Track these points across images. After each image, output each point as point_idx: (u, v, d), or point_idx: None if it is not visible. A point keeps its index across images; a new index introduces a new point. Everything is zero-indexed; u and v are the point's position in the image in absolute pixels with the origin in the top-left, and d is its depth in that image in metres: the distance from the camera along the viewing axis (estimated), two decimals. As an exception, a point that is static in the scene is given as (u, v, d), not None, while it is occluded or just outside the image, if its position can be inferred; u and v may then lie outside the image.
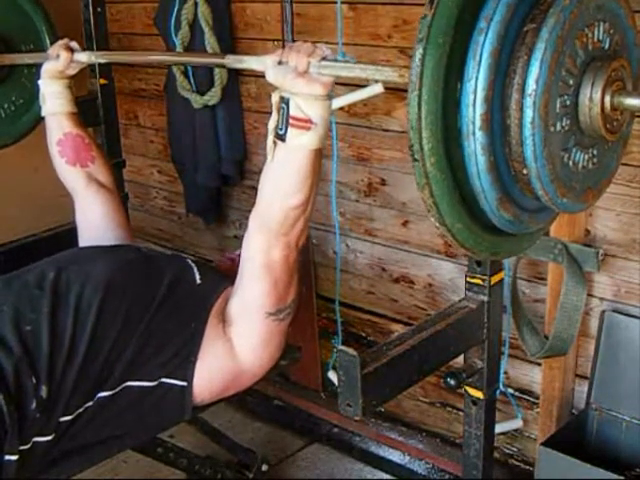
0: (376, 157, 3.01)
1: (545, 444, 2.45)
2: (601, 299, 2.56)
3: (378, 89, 2.69)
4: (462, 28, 1.33)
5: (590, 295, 2.54)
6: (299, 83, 1.69)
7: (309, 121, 1.72)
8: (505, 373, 2.81)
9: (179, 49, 3.18)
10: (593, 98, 1.40)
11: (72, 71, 2.33)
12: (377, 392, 1.71)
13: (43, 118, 2.41)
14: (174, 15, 3.17)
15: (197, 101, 3.23)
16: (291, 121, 1.73)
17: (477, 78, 1.32)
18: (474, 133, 1.34)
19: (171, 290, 2.01)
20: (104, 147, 2.93)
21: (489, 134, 1.34)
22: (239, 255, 2.07)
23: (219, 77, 3.16)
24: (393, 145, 2.94)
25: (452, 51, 1.32)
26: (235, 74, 3.30)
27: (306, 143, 1.74)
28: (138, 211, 3.98)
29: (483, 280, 1.92)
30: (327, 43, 2.94)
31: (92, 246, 2.27)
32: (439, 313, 1.92)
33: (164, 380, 1.93)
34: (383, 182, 3.01)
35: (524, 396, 2.86)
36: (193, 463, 2.86)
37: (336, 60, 1.73)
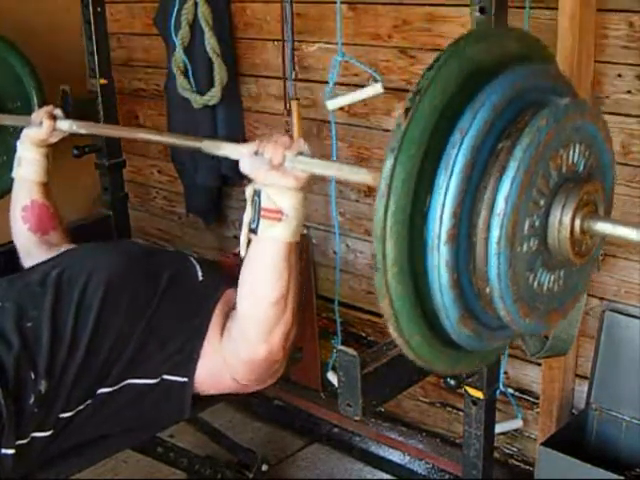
0: (376, 157, 3.01)
1: (545, 444, 2.45)
2: (601, 299, 2.56)
3: (378, 89, 2.69)
4: (436, 140, 1.30)
5: (590, 295, 2.54)
6: (273, 175, 1.69)
7: (280, 212, 1.71)
8: (505, 373, 2.80)
9: (179, 49, 3.18)
10: (563, 221, 1.37)
11: (54, 139, 2.33)
12: (377, 392, 1.71)
13: None
14: (174, 15, 3.17)
15: (197, 101, 3.23)
16: (262, 212, 1.72)
17: (447, 192, 1.29)
18: (439, 248, 1.30)
19: (172, 284, 2.01)
20: (104, 147, 2.93)
21: (454, 250, 1.31)
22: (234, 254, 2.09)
23: (219, 77, 3.15)
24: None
25: (424, 162, 1.29)
26: (235, 74, 3.30)
27: (278, 235, 1.73)
28: (138, 211, 3.98)
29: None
30: (327, 43, 2.98)
31: (94, 243, 2.27)
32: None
33: (165, 377, 1.93)
34: (383, 182, 3.00)
35: (524, 396, 2.85)
36: (193, 463, 2.86)
37: (311, 157, 1.71)
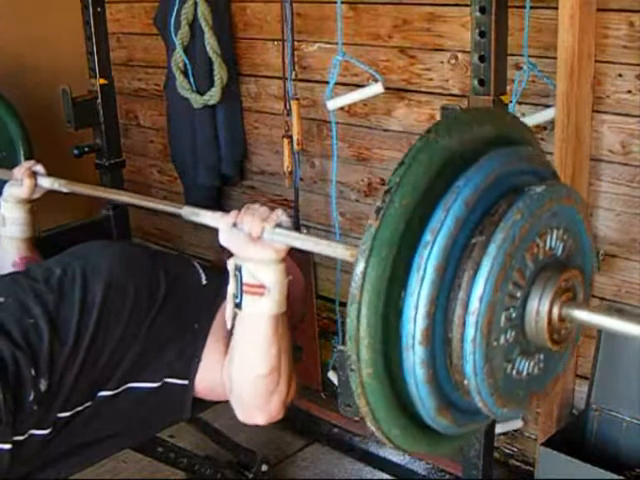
0: (376, 157, 3.01)
1: (545, 444, 2.45)
2: (601, 299, 2.56)
3: (378, 89, 2.69)
4: (408, 239, 1.29)
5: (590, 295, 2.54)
6: (251, 249, 1.68)
7: (262, 287, 1.69)
8: (505, 373, 2.80)
9: (179, 48, 3.18)
10: (540, 311, 1.36)
11: (36, 195, 2.30)
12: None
13: None
14: (174, 15, 3.17)
15: (197, 101, 3.23)
16: (245, 288, 1.69)
17: (419, 293, 1.28)
18: (413, 347, 1.29)
19: (175, 288, 2.01)
20: (104, 147, 2.93)
21: (429, 348, 1.30)
22: None
23: (219, 77, 3.16)
24: (393, 145, 2.94)
25: (396, 262, 1.28)
26: (235, 74, 3.30)
27: (261, 310, 1.71)
28: (138, 211, 3.97)
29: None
30: (327, 43, 2.98)
31: (99, 242, 2.27)
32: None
33: (167, 380, 1.93)
34: (383, 182, 3.01)
35: (524, 396, 2.85)
36: (193, 463, 2.86)
37: (290, 228, 1.69)
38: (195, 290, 2.07)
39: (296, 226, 3.16)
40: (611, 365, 2.52)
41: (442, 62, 2.74)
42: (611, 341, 2.50)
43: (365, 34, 2.90)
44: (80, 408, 1.85)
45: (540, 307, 1.35)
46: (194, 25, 3.18)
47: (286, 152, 3.02)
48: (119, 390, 1.89)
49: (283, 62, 3.07)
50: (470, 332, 1.28)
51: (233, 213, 1.74)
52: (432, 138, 1.32)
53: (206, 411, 2.43)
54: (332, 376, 3.17)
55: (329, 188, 2.99)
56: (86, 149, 2.91)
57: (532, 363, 1.43)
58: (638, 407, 2.49)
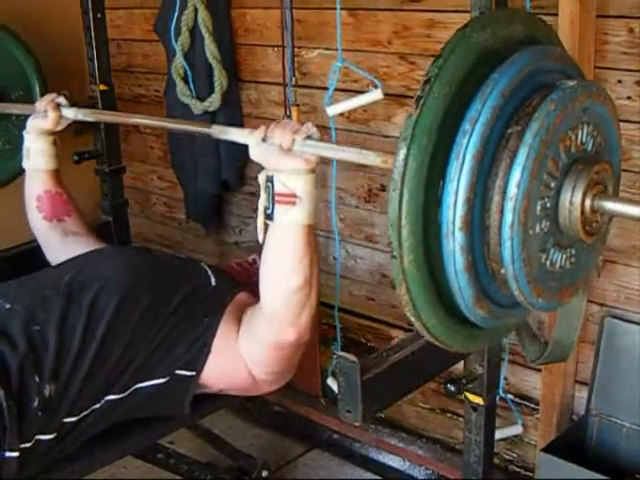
0: (376, 163, 3.01)
1: (545, 450, 2.45)
2: (601, 305, 2.56)
3: (378, 95, 2.70)
4: (446, 129, 1.33)
5: (590, 301, 2.54)
6: (282, 160, 1.70)
7: (293, 195, 1.72)
8: (505, 379, 2.80)
9: (179, 55, 3.19)
10: (573, 202, 1.40)
11: (60, 127, 2.35)
12: (377, 398, 1.71)
13: None
14: (174, 21, 3.18)
15: (197, 107, 3.23)
16: (277, 198, 1.72)
17: (459, 180, 1.33)
18: (453, 233, 1.34)
19: (186, 292, 2.02)
20: (104, 153, 2.93)
21: (468, 234, 1.35)
22: (247, 262, 2.10)
23: (219, 83, 3.16)
24: (393, 151, 2.94)
25: (435, 151, 1.33)
26: (235, 80, 3.31)
27: (294, 219, 1.74)
28: (138, 217, 3.98)
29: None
30: (327, 49, 2.98)
31: (108, 248, 2.27)
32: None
33: (177, 372, 1.94)
34: (383, 188, 3.01)
35: (524, 402, 2.85)
36: (193, 469, 2.85)
37: (321, 140, 1.73)
38: (205, 292, 2.08)
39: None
40: (611, 371, 2.52)
41: (442, 68, 2.74)
42: (611, 347, 2.51)
43: (365, 40, 2.90)
44: (86, 412, 1.85)
45: (573, 198, 1.40)
46: (194, 31, 3.19)
47: (286, 158, 3.02)
48: (127, 393, 1.89)
49: (283, 68, 3.07)
50: (508, 218, 1.33)
51: (262, 128, 1.76)
52: (468, 33, 1.37)
53: (206, 417, 2.42)
54: (332, 382, 3.17)
55: (329, 194, 2.99)
56: (86, 155, 2.91)
57: (565, 256, 1.48)
58: (638, 413, 2.49)
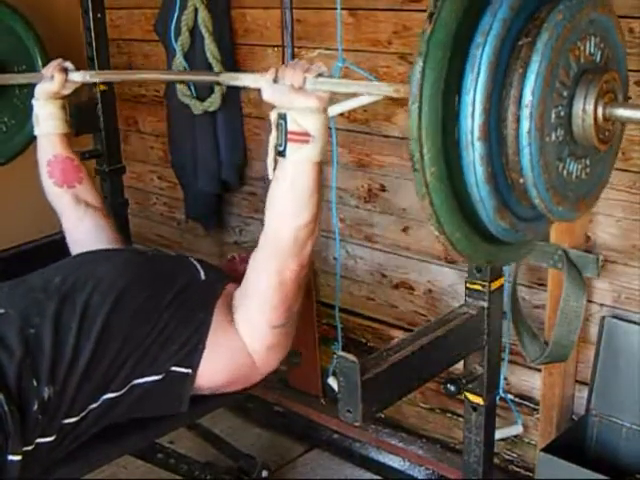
0: (376, 163, 3.01)
1: (545, 450, 2.45)
2: (601, 305, 2.56)
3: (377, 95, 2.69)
4: (460, 42, 1.37)
5: (590, 301, 2.54)
6: (295, 98, 1.72)
7: (307, 134, 1.75)
8: (505, 379, 2.80)
9: (179, 55, 3.19)
10: (586, 109, 1.44)
11: (67, 91, 2.37)
12: (377, 398, 1.71)
13: (35, 138, 2.43)
14: (174, 21, 3.18)
15: (197, 107, 3.23)
16: (289, 136, 1.76)
17: (475, 90, 1.36)
18: (473, 143, 1.37)
19: (179, 296, 2.02)
20: (104, 153, 2.94)
21: (487, 144, 1.38)
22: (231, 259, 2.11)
23: (219, 83, 3.16)
24: (393, 151, 2.94)
25: (450, 64, 1.36)
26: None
27: (306, 156, 1.77)
28: (138, 217, 3.98)
29: (483, 286, 1.92)
30: (327, 49, 2.98)
31: (99, 250, 2.28)
32: (439, 319, 1.92)
33: (172, 369, 1.94)
34: (383, 188, 3.01)
35: (524, 402, 2.85)
36: (193, 469, 2.85)
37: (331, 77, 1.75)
38: (196, 286, 2.09)
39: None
40: (611, 371, 2.52)
41: (442, 68, 2.74)
42: (611, 347, 2.51)
43: (365, 40, 2.90)
44: (85, 412, 1.85)
45: (586, 106, 1.44)
46: (194, 31, 3.19)
47: (286, 158, 3.02)
48: (124, 390, 1.89)
49: (283, 68, 3.07)
50: (525, 125, 1.36)
51: (272, 70, 1.80)
52: None
53: (206, 417, 2.43)
54: (332, 382, 3.17)
55: (329, 194, 2.99)
56: (86, 155, 2.91)
57: (580, 167, 1.52)
58: (638, 413, 2.49)
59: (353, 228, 3.16)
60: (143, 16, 3.69)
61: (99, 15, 2.89)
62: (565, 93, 1.41)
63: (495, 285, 1.94)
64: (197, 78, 2.12)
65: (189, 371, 1.95)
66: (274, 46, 3.18)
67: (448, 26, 1.34)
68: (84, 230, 2.38)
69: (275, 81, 1.77)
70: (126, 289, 1.97)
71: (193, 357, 1.95)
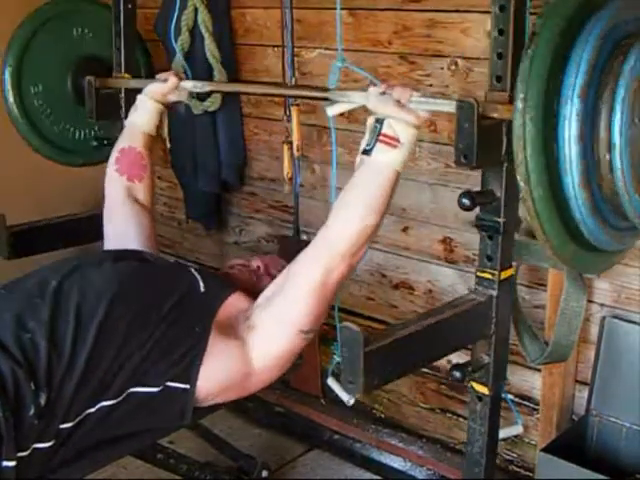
0: (376, 163, 3.00)
1: (545, 450, 2.45)
2: (601, 305, 2.56)
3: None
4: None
5: (590, 301, 2.54)
6: (398, 111, 1.88)
7: (398, 140, 1.87)
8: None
9: (179, 54, 3.19)
10: None
11: (173, 97, 2.46)
12: (379, 371, 1.73)
13: None
14: (174, 21, 3.17)
15: (197, 107, 3.23)
16: (381, 137, 1.88)
17: (575, 84, 1.58)
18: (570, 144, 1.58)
19: (176, 307, 2.01)
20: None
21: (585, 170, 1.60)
22: (249, 268, 2.12)
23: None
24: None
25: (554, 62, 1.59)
26: (235, 80, 3.30)
27: (390, 160, 1.87)
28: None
29: (493, 274, 1.94)
30: (327, 49, 2.98)
31: (100, 254, 2.28)
32: (447, 303, 1.96)
33: (169, 384, 1.93)
34: (383, 188, 3.00)
35: (524, 402, 2.85)
36: (193, 469, 2.86)
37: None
38: (195, 299, 2.07)
39: (296, 231, 3.16)
40: (611, 371, 2.52)
41: (442, 68, 2.74)
42: (611, 347, 2.51)
43: (365, 40, 2.90)
44: (81, 417, 1.84)
45: None
46: (194, 31, 3.20)
47: (286, 158, 3.02)
48: (121, 397, 1.88)
49: (283, 68, 3.08)
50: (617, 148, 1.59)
51: (382, 84, 1.97)
52: None
53: (206, 417, 2.42)
54: (332, 382, 3.16)
55: (329, 194, 2.99)
56: (105, 142, 2.96)
57: None
58: (638, 413, 2.49)
59: (353, 228, 3.15)
60: (143, 16, 3.68)
61: (129, 5, 2.92)
62: None
63: (505, 275, 1.96)
64: (305, 94, 2.24)
65: (187, 386, 1.94)
66: (274, 46, 3.18)
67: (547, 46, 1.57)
68: (123, 231, 2.40)
69: (383, 94, 1.92)
70: (122, 296, 1.96)
71: (190, 373, 1.94)
